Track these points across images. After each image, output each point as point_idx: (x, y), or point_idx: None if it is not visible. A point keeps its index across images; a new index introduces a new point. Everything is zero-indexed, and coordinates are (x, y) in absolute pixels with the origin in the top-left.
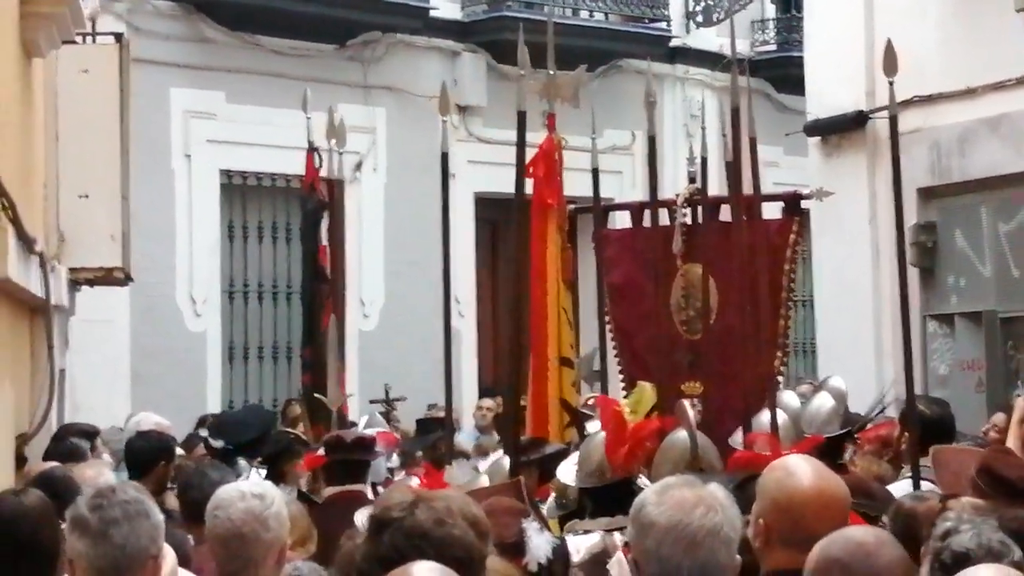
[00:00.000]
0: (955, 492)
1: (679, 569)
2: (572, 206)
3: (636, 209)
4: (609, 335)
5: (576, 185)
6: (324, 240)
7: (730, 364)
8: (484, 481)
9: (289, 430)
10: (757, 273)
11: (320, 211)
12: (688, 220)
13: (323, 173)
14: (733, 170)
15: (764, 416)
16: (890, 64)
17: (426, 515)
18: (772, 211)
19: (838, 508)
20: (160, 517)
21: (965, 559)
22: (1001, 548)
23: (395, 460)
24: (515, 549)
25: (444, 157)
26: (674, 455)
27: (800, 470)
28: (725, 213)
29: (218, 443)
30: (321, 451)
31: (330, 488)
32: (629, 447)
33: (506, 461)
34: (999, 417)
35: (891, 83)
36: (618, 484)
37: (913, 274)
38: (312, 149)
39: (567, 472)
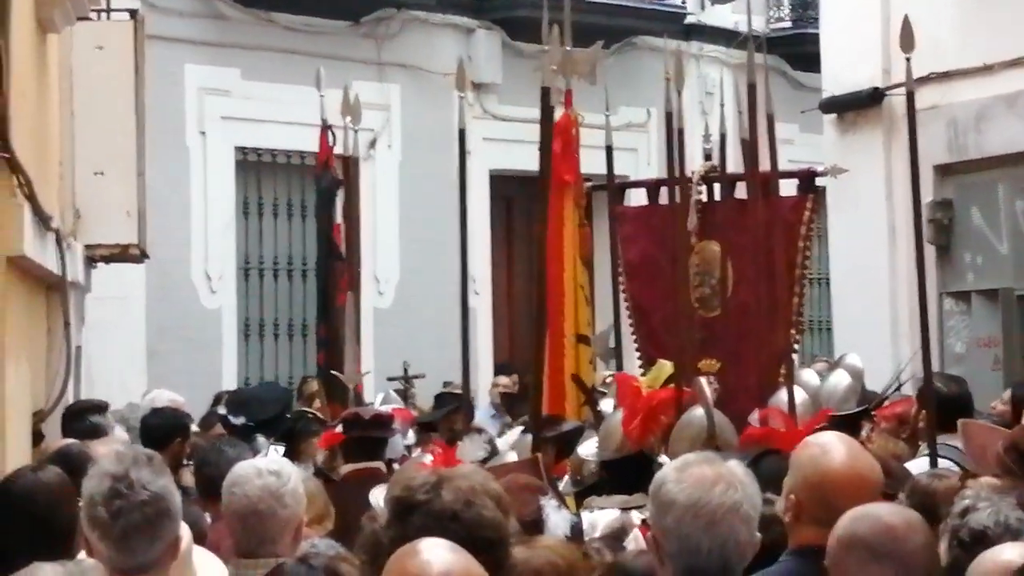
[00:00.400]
0: (983, 464)
1: (699, 547)
2: (588, 183)
3: (652, 186)
4: (625, 312)
5: (592, 162)
6: (339, 218)
7: (745, 341)
8: (511, 457)
9: (305, 408)
10: (772, 250)
11: (334, 188)
12: (704, 197)
13: (338, 150)
14: (749, 147)
15: (782, 393)
16: (907, 40)
17: (453, 496)
18: (787, 188)
19: (869, 489)
20: (179, 503)
21: (983, 536)
22: (1019, 525)
23: (411, 437)
24: (534, 526)
25: (461, 134)
26: (691, 432)
27: (835, 449)
28: (740, 190)
29: (238, 420)
30: (339, 428)
31: (348, 465)
32: (642, 418)
33: (528, 437)
34: (1007, 394)
35: (908, 59)
36: (635, 457)
37: (929, 251)
38: (326, 127)
39: (588, 449)
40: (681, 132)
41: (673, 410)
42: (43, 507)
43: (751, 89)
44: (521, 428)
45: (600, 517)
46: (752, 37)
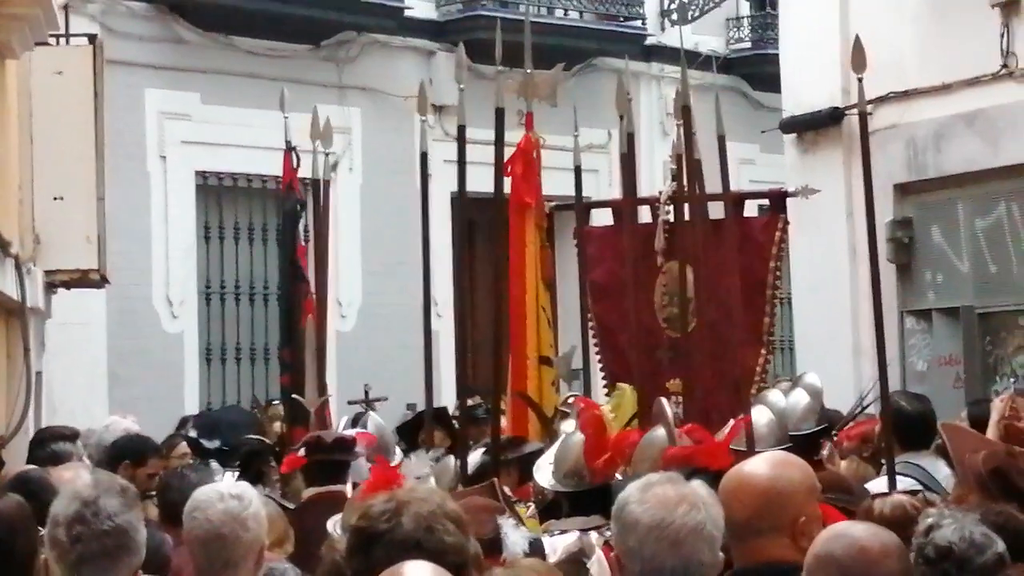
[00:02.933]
0: (968, 469)
1: (662, 567)
2: (551, 204)
3: (619, 206)
4: (591, 333)
5: (553, 184)
6: (303, 240)
7: (712, 362)
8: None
9: (253, 436)
10: (738, 271)
11: (299, 211)
12: (671, 217)
13: (306, 173)
14: (688, 169)
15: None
16: (859, 61)
17: (413, 524)
18: (750, 209)
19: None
20: (142, 538)
21: (948, 552)
22: (984, 540)
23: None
24: (492, 545)
25: (423, 157)
26: (653, 452)
27: (746, 461)
28: (710, 211)
29: (212, 444)
30: (301, 452)
31: (310, 488)
32: (610, 456)
33: (451, 460)
34: (964, 412)
35: (860, 80)
36: (596, 489)
37: (890, 270)
38: (290, 149)
39: (542, 472)
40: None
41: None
42: (2, 534)
43: (685, 111)
44: (482, 450)
45: (559, 540)
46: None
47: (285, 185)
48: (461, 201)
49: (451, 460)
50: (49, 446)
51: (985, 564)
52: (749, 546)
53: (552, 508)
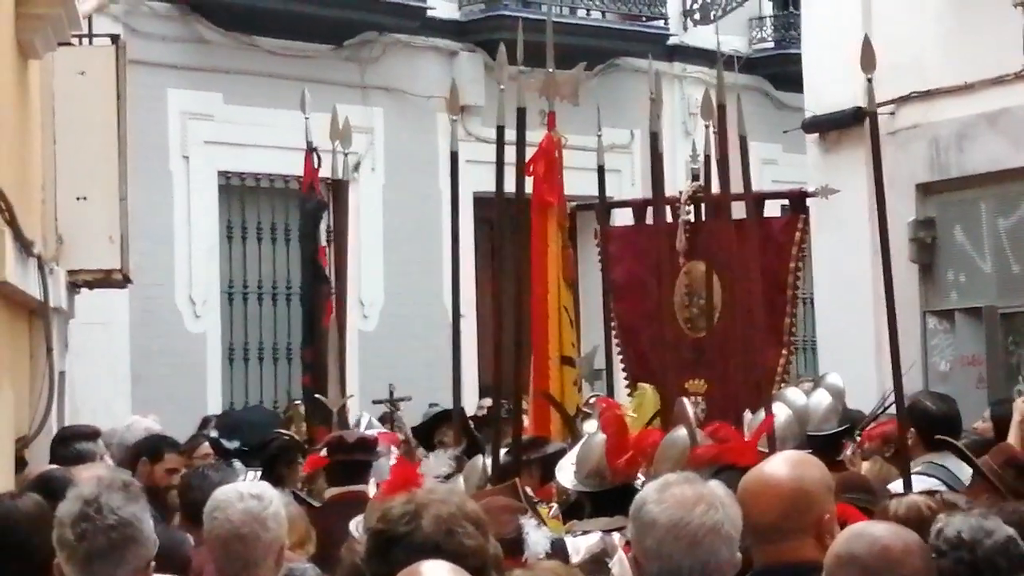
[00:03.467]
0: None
1: (680, 567)
2: (573, 203)
3: (639, 206)
4: (613, 333)
5: (575, 184)
6: (323, 240)
7: (733, 362)
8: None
9: (283, 432)
10: (760, 271)
11: (320, 211)
12: (692, 217)
13: (327, 173)
14: (720, 169)
15: (762, 413)
16: (868, 61)
17: (433, 526)
18: (772, 208)
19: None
20: (149, 529)
21: (959, 540)
22: (992, 524)
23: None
24: (514, 545)
25: (453, 156)
26: (675, 453)
27: (765, 461)
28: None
29: (232, 444)
30: (323, 452)
31: (331, 489)
32: (631, 456)
33: (479, 459)
34: (988, 412)
35: (869, 80)
36: (619, 488)
37: (913, 270)
38: (311, 149)
39: (564, 472)
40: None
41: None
42: (20, 534)
43: (721, 111)
44: (504, 450)
45: (582, 541)
46: (723, 58)
47: (306, 185)
48: (498, 199)
49: (479, 460)
50: (71, 445)
51: (996, 544)
52: (776, 547)
53: (575, 508)
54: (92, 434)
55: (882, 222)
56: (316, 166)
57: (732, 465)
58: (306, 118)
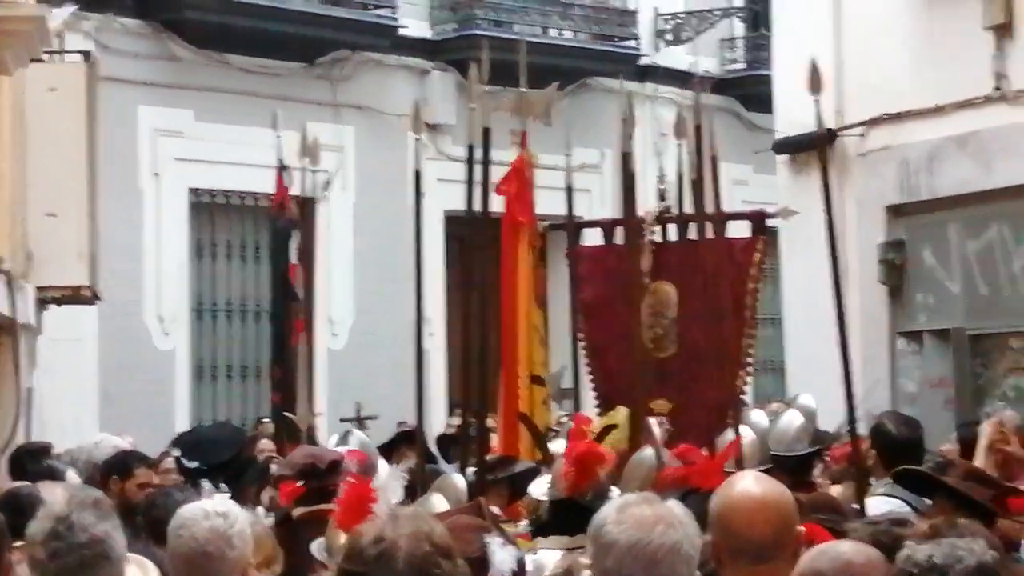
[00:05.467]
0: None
1: None
2: (544, 223)
3: (608, 226)
4: (582, 353)
5: (546, 203)
6: (294, 258)
7: (697, 383)
8: (437, 500)
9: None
10: (720, 292)
11: (290, 229)
12: (658, 238)
13: (296, 191)
14: (695, 189)
15: (729, 434)
16: (815, 83)
17: (407, 568)
18: (742, 229)
19: (773, 512)
20: (121, 547)
21: (931, 565)
22: (965, 546)
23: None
24: (479, 564)
25: (417, 175)
26: (641, 473)
27: (737, 480)
28: (694, 231)
29: (192, 464)
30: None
31: (300, 508)
32: (575, 468)
33: (455, 477)
34: (954, 435)
35: (817, 102)
36: (568, 502)
37: (881, 292)
38: (282, 167)
39: (540, 488)
40: (632, 175)
41: (609, 463)
42: None
43: (697, 131)
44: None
45: (547, 558)
46: (699, 79)
47: (277, 203)
48: (469, 218)
49: (454, 476)
50: (41, 461)
51: (967, 569)
52: (769, 566)
53: (547, 527)
54: (43, 449)
55: (832, 250)
56: (287, 184)
57: (698, 488)
58: (277, 136)
